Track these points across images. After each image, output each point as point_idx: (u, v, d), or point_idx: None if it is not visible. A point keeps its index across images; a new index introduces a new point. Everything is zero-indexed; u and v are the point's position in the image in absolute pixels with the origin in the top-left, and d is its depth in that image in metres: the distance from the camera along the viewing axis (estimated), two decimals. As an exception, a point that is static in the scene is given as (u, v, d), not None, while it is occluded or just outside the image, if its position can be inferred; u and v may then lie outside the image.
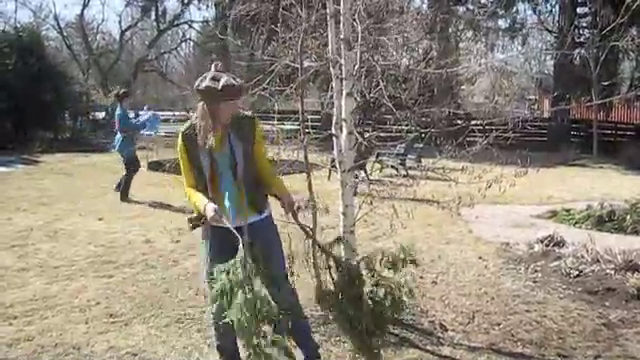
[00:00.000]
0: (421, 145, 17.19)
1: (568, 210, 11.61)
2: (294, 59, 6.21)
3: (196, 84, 4.29)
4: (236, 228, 4.27)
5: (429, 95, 7.89)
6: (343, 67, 5.78)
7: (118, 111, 13.25)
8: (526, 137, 21.08)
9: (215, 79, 4.21)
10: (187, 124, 4.48)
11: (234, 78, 4.25)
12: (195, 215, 4.47)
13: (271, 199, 4.71)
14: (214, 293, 4.07)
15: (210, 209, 4.23)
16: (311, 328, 5.02)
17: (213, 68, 4.33)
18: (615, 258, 7.74)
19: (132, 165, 13.06)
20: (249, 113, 4.77)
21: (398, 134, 8.87)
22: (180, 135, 4.44)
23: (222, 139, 4.38)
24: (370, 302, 4.59)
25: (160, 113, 13.81)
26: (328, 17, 5.80)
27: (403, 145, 16.93)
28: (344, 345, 5.39)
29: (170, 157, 13.48)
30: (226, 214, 4.34)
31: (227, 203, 4.40)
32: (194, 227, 4.54)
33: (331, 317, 4.92)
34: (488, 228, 10.55)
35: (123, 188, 12.98)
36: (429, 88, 8.07)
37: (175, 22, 38.77)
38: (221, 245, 4.40)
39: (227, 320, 3.90)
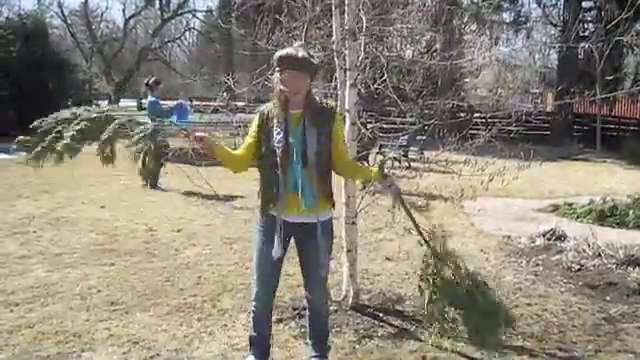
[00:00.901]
0: (424, 137, 17.17)
1: (570, 204, 11.61)
2: (298, 49, 6.19)
3: None
4: (295, 224, 4.38)
5: (433, 87, 7.88)
6: (347, 58, 5.76)
7: (150, 98, 13.40)
8: (529, 131, 21.05)
9: (281, 51, 4.30)
10: (265, 105, 4.48)
11: (297, 50, 4.22)
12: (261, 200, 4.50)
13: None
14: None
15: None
16: (329, 333, 5.00)
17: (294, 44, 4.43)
18: (617, 253, 7.74)
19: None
20: (331, 105, 4.79)
21: (401, 126, 8.86)
22: (258, 114, 4.44)
23: (297, 120, 4.31)
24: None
25: (164, 102, 13.68)
26: (333, 7, 5.78)
27: (406, 137, 16.91)
28: (344, 336, 5.40)
29: (172, 146, 13.50)
30: (292, 200, 4.34)
31: (296, 187, 4.31)
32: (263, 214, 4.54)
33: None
34: (490, 221, 10.55)
35: (150, 179, 13.20)
36: (433, 80, 8.06)
37: (179, 11, 38.77)
38: (271, 239, 4.40)
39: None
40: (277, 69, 4.22)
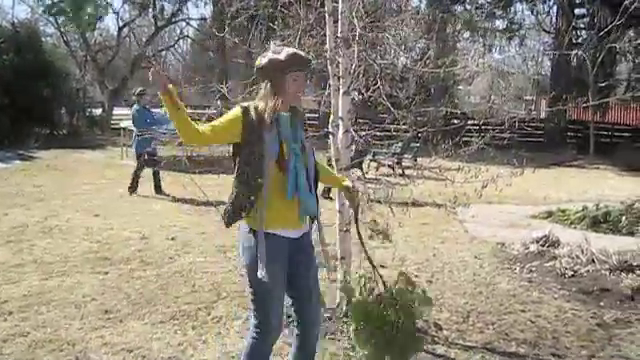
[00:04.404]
0: (417, 144, 17.22)
1: (564, 210, 11.63)
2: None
3: (257, 63, 3.99)
4: (294, 239, 3.98)
5: (426, 94, 7.92)
6: (340, 65, 5.79)
7: (135, 107, 13.58)
8: (523, 137, 21.22)
9: (276, 52, 3.92)
10: (249, 103, 3.99)
11: (298, 50, 4.01)
12: (230, 207, 4.01)
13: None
14: None
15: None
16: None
17: (272, 46, 4.06)
18: (610, 259, 7.76)
19: (138, 162, 13.34)
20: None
21: (395, 133, 8.88)
22: (240, 108, 3.92)
23: (293, 126, 3.97)
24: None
25: (156, 110, 13.68)
26: (326, 15, 5.80)
27: (399, 144, 16.97)
28: (338, 343, 5.40)
29: (166, 154, 13.52)
30: (289, 213, 3.90)
31: (304, 199, 3.88)
32: (230, 223, 4.05)
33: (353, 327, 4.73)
34: (484, 228, 10.56)
35: (131, 182, 13.35)
36: (426, 87, 8.09)
37: (173, 19, 38.67)
38: (275, 258, 3.88)
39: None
40: (286, 70, 3.87)
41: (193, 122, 3.86)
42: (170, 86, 3.73)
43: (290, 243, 3.95)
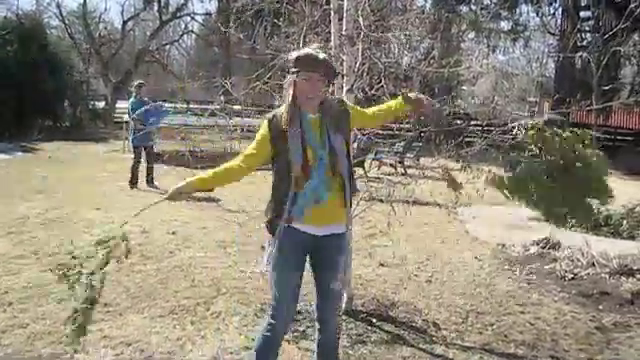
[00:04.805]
0: (420, 144, 17.22)
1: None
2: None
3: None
4: (321, 236, 4.00)
5: (430, 94, 7.91)
6: (345, 63, 5.78)
7: (132, 99, 13.76)
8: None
9: (295, 52, 3.98)
10: (275, 111, 4.07)
11: (317, 52, 3.93)
12: (271, 215, 4.02)
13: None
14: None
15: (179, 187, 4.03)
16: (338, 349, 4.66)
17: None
18: (610, 262, 7.76)
19: (134, 154, 13.45)
20: (340, 98, 4.60)
21: (397, 132, 8.88)
22: (266, 121, 4.00)
23: (321, 129, 3.95)
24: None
25: (154, 103, 13.71)
26: (331, 12, 5.80)
27: (402, 143, 16.97)
28: (338, 341, 5.39)
29: (168, 149, 13.53)
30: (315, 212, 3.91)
31: (321, 197, 3.90)
32: (272, 231, 4.04)
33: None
34: (484, 228, 10.54)
35: (131, 176, 13.44)
36: (430, 87, 8.09)
37: (177, 14, 38.68)
38: (290, 251, 4.00)
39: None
40: (294, 70, 3.88)
41: (225, 166, 4.03)
42: (191, 185, 4.04)
43: (312, 239, 3.99)
